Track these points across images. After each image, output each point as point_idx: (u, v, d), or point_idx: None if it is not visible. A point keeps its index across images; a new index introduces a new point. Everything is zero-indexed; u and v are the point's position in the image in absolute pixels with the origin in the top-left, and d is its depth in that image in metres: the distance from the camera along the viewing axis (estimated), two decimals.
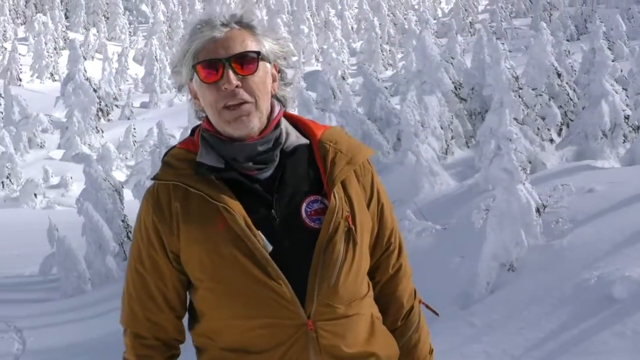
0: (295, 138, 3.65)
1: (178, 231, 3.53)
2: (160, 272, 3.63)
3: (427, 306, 4.12)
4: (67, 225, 38.18)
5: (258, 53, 3.51)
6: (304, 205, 3.56)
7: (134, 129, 66.43)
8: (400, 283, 3.95)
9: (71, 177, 54.68)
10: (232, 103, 3.44)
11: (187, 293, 3.79)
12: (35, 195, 52.77)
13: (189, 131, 3.90)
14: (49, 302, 34.93)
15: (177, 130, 67.92)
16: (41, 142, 65.38)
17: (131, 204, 41.58)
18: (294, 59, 3.86)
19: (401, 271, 3.94)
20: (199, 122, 3.88)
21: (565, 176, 32.58)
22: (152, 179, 3.66)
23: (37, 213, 48.06)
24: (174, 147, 3.77)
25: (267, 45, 3.59)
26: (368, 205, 3.77)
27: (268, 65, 3.59)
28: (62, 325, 31.75)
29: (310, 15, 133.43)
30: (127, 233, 40.38)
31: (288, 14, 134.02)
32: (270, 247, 3.45)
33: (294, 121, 3.77)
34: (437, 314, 4.22)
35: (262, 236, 3.46)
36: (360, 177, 3.73)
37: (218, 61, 3.43)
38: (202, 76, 3.45)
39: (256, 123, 3.51)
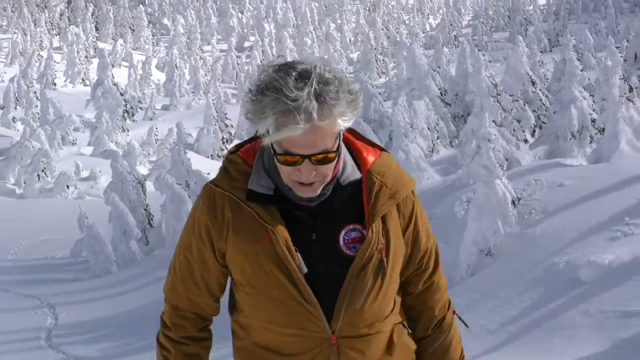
0: (350, 171, 3.59)
1: (227, 236, 3.55)
2: (205, 264, 3.66)
3: (459, 317, 4.08)
4: (96, 213, 38.14)
5: (335, 151, 3.42)
6: (342, 233, 3.53)
7: (156, 128, 66.25)
8: (432, 297, 3.90)
9: (99, 171, 54.56)
10: (305, 182, 3.41)
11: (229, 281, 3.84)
12: (67, 186, 52.61)
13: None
14: (79, 281, 34.91)
15: (194, 129, 67.92)
16: (73, 140, 65.19)
17: (152, 195, 41.59)
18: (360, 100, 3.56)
19: (433, 286, 3.90)
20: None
21: (538, 172, 32.53)
22: (211, 183, 3.63)
23: (69, 203, 47.91)
24: (238, 149, 3.73)
25: (342, 125, 3.43)
26: (404, 233, 3.73)
27: (340, 143, 3.50)
28: (91, 302, 31.74)
29: (313, 29, 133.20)
30: (149, 221, 40.39)
31: (293, 27, 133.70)
32: (305, 270, 3.46)
33: (350, 145, 3.69)
34: (467, 326, 4.12)
35: (300, 258, 3.46)
36: (402, 208, 3.70)
37: (299, 156, 3.37)
38: (279, 159, 3.40)
39: (322, 189, 3.48)
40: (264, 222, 3.46)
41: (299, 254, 3.47)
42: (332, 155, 3.43)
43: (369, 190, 3.58)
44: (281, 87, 3.34)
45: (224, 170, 3.66)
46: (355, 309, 3.49)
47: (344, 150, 3.65)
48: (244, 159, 3.65)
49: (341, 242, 3.51)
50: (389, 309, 3.67)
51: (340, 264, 3.50)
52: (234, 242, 3.54)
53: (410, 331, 3.92)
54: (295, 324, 3.47)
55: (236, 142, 66.84)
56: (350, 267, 3.48)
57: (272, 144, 3.46)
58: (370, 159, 3.66)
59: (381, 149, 3.78)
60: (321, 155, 3.39)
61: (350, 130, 3.72)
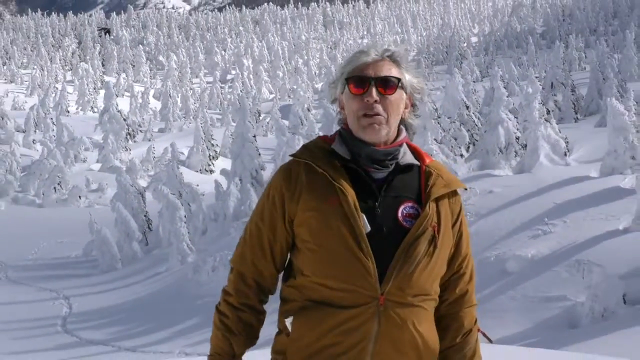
0: (410, 158, 3.58)
1: (299, 198, 3.49)
2: (274, 229, 3.57)
3: (484, 334, 3.91)
4: (103, 219, 38.04)
5: (399, 80, 3.46)
6: (401, 207, 3.47)
7: (153, 148, 65.98)
8: (464, 307, 3.74)
9: (106, 184, 54.37)
10: (369, 112, 3.40)
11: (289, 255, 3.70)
12: (79, 197, 52.41)
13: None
14: (89, 276, 34.78)
15: (186, 148, 67.72)
16: (84, 158, 64.93)
17: (151, 203, 41.48)
18: (425, 95, 3.71)
19: (467, 296, 3.75)
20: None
21: (472, 181, 32.64)
22: (290, 155, 3.60)
23: (80, 211, 47.78)
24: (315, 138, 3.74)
25: (407, 77, 3.52)
26: (452, 227, 3.64)
27: (404, 93, 3.53)
28: (100, 293, 31.63)
29: (284, 64, 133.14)
30: (149, 225, 40.28)
31: (268, 62, 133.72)
32: (369, 228, 3.39)
33: (413, 148, 3.69)
34: (491, 341, 4.02)
35: (365, 219, 3.39)
36: (452, 204, 3.63)
37: (366, 79, 3.41)
38: (351, 88, 3.44)
39: (384, 134, 3.45)
40: (335, 182, 3.42)
41: (363, 215, 3.41)
42: (394, 80, 3.45)
43: (427, 177, 3.58)
44: (358, 50, 3.56)
45: (303, 147, 3.65)
46: (406, 273, 3.41)
47: (407, 147, 3.65)
48: (323, 140, 3.66)
49: (400, 214, 3.46)
50: (433, 289, 3.57)
51: (396, 233, 3.44)
52: (306, 201, 3.47)
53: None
54: (349, 279, 3.38)
55: (221, 159, 67.01)
56: (407, 235, 3.43)
57: (344, 88, 3.51)
58: (428, 159, 3.67)
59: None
60: (385, 77, 3.44)
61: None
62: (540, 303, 22.86)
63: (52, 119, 75.75)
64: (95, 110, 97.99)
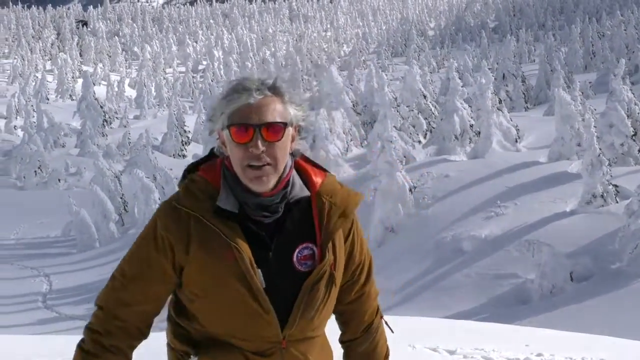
0: (298, 190, 3.21)
1: (188, 250, 3.08)
2: (164, 279, 3.14)
3: (386, 323, 3.65)
4: (81, 201, 37.80)
5: (285, 124, 3.06)
6: (296, 252, 3.14)
7: (129, 133, 65.54)
8: (362, 305, 3.47)
9: (84, 168, 53.97)
10: (255, 164, 3.01)
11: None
12: (58, 180, 52.04)
13: (209, 150, 3.48)
14: (68, 255, 34.59)
15: (160, 134, 67.44)
16: (63, 143, 64.47)
17: (127, 186, 41.23)
18: (310, 118, 3.29)
19: (364, 296, 3.46)
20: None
21: (429, 166, 32.69)
22: (176, 203, 3.13)
23: (60, 193, 47.45)
24: (195, 169, 3.29)
25: (292, 112, 3.11)
26: (344, 247, 3.31)
27: (291, 129, 3.12)
28: (78, 271, 31.45)
29: (252, 55, 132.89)
30: (124, 206, 40.08)
31: (237, 53, 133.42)
32: (264, 284, 3.09)
33: (300, 168, 3.29)
34: (392, 332, 3.69)
35: (261, 274, 3.07)
36: (344, 225, 3.28)
37: (250, 126, 3.01)
38: (234, 137, 3.04)
39: (272, 183, 3.06)
40: (230, 240, 3.06)
41: (259, 270, 3.09)
42: (281, 126, 3.06)
43: (319, 210, 3.21)
44: (236, 84, 3.10)
45: (186, 190, 3.19)
46: (307, 318, 3.17)
47: (293, 172, 3.24)
48: (205, 179, 3.21)
49: (295, 260, 3.14)
50: (329, 316, 3.34)
51: (294, 279, 3.15)
52: (198, 258, 3.09)
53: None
54: (251, 332, 3.13)
55: (193, 144, 66.77)
56: (305, 282, 3.14)
57: (227, 127, 3.07)
58: (318, 180, 3.26)
59: (325, 171, 3.37)
60: (270, 124, 3.04)
61: (301, 156, 3.32)
62: (493, 280, 22.97)
63: (32, 106, 75.13)
64: (74, 98, 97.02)
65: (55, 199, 44.05)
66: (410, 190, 29.39)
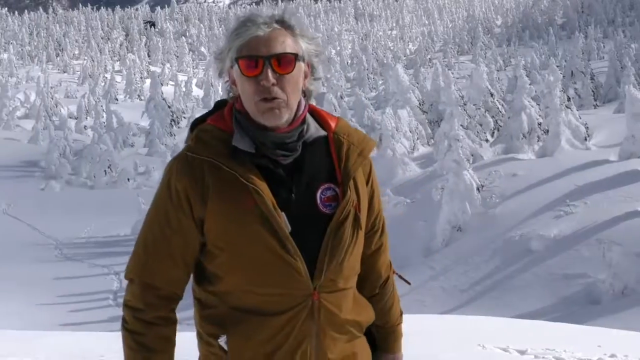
0: (314, 130, 3.09)
1: (206, 200, 2.94)
2: (185, 234, 3.00)
3: (400, 276, 3.55)
4: (150, 200, 38.10)
5: (295, 55, 2.94)
6: (318, 192, 3.00)
7: None
8: (380, 258, 3.33)
9: (153, 167, 54.48)
10: (267, 97, 2.87)
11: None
12: (127, 179, 52.61)
13: (214, 105, 3.34)
14: None
15: None
16: (132, 143, 65.18)
17: None
18: (324, 56, 3.13)
19: (381, 248, 3.33)
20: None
21: (497, 165, 32.45)
22: (187, 151, 3.02)
23: (129, 192, 47.93)
24: (203, 120, 3.15)
25: (303, 46, 3.00)
26: (366, 191, 3.19)
27: (302, 64, 3.00)
28: None
29: None
30: None
31: (319, 64, 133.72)
32: (289, 228, 2.92)
33: (312, 112, 3.16)
34: (409, 283, 3.67)
35: (285, 217, 2.91)
36: (364, 167, 3.16)
37: (259, 58, 2.88)
38: (243, 70, 2.90)
39: (285, 117, 2.92)
40: (248, 183, 2.92)
41: (283, 213, 2.93)
42: (292, 57, 2.93)
43: (337, 149, 3.10)
44: (244, 18, 2.99)
45: (197, 139, 3.06)
46: (337, 263, 3.00)
47: (308, 115, 3.12)
48: (216, 126, 3.08)
49: (318, 201, 3.00)
50: (359, 265, 3.19)
51: (318, 222, 2.99)
52: (216, 207, 2.95)
53: None
54: (280, 284, 2.94)
55: None
56: (330, 223, 2.98)
57: (234, 65, 2.96)
58: (333, 122, 3.15)
59: (337, 117, 3.25)
60: (280, 55, 2.91)
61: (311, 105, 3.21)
62: (562, 280, 22.72)
63: (102, 106, 76.14)
64: (142, 98, 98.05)
65: (125, 198, 44.53)
66: (478, 189, 29.21)
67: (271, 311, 2.97)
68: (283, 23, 2.93)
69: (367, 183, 3.19)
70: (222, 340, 3.01)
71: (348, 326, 3.13)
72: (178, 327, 3.09)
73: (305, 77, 3.01)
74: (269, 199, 2.89)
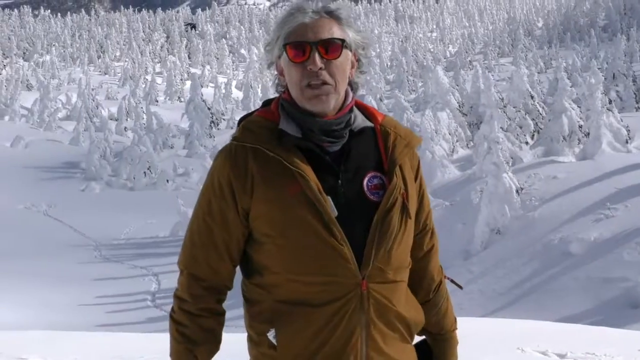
0: (361, 121, 3.08)
1: (252, 190, 2.96)
2: (227, 225, 3.02)
3: (452, 281, 3.53)
4: (189, 201, 38.33)
5: (343, 41, 2.95)
6: (366, 180, 2.97)
7: None
8: (432, 260, 3.32)
9: (192, 169, 54.69)
10: (314, 82, 2.90)
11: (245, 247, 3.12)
12: (167, 181, 52.85)
13: (261, 103, 3.37)
14: (176, 255, 35.00)
15: None
16: (171, 144, 65.50)
17: None
18: (371, 50, 3.15)
19: (433, 250, 3.32)
20: (271, 97, 3.37)
21: (537, 168, 32.26)
22: (233, 139, 3.06)
23: (168, 194, 48.19)
24: (252, 114, 3.18)
25: (350, 35, 3.00)
26: (414, 186, 3.16)
27: (349, 53, 3.01)
28: None
29: None
30: None
31: (364, 57, 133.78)
32: (336, 212, 2.89)
33: (359, 106, 3.15)
34: (460, 287, 3.60)
35: (331, 202, 2.90)
36: (411, 160, 3.16)
37: (306, 44, 2.91)
38: (290, 56, 2.93)
39: (332, 103, 2.94)
40: (293, 167, 2.92)
41: (329, 197, 2.92)
42: (339, 42, 2.95)
43: (384, 139, 3.09)
44: (291, 8, 3.02)
45: (244, 128, 3.10)
46: (385, 250, 2.95)
47: (354, 109, 3.11)
48: (264, 117, 3.11)
49: (365, 189, 2.98)
50: (408, 258, 3.14)
51: (365, 209, 2.97)
52: (262, 193, 2.96)
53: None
54: (326, 271, 2.91)
55: None
56: (378, 210, 2.95)
57: (282, 53, 2.99)
58: (379, 116, 3.15)
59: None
60: (327, 40, 2.93)
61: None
62: (602, 284, 22.54)
63: (142, 108, 76.67)
64: (182, 100, 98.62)
65: (164, 200, 44.77)
66: (517, 191, 29.04)
67: (319, 302, 2.93)
68: (331, 14, 2.96)
69: (415, 178, 3.16)
70: (270, 335, 2.98)
71: (397, 323, 3.06)
72: (225, 328, 3.09)
73: (352, 66, 3.02)
74: (314, 183, 2.89)
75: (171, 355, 3.13)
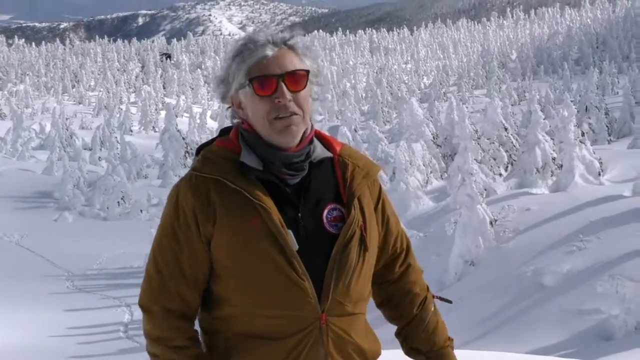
0: (320, 151, 3.08)
1: (214, 221, 2.93)
2: (194, 254, 2.98)
3: (440, 298, 3.51)
4: None
5: (307, 71, 2.99)
6: (325, 212, 2.99)
7: None
8: (410, 278, 3.31)
9: (166, 199, 54.70)
10: (283, 115, 2.91)
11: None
12: (141, 211, 52.66)
13: (218, 132, 3.35)
14: None
15: None
16: (145, 174, 65.41)
17: None
18: (323, 77, 3.17)
19: (410, 269, 3.31)
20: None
21: (510, 199, 32.39)
22: (192, 169, 3.02)
23: (142, 224, 48.00)
24: (211, 143, 3.15)
25: (308, 64, 3.03)
26: (375, 214, 3.17)
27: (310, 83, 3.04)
28: None
29: (333, 87, 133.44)
30: None
31: (317, 85, 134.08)
32: (297, 246, 2.89)
33: (318, 135, 3.17)
34: (450, 302, 3.57)
35: (292, 235, 2.90)
36: (371, 189, 3.15)
37: (273, 77, 2.91)
38: (257, 90, 2.92)
39: (300, 134, 2.97)
40: (255, 199, 2.91)
41: (290, 231, 2.92)
42: (304, 73, 2.97)
43: (342, 170, 3.09)
44: (246, 40, 3.01)
45: (204, 158, 3.05)
46: (343, 285, 2.95)
47: (315, 138, 3.12)
48: (224, 147, 3.08)
49: (325, 221, 2.98)
50: (368, 290, 3.13)
51: (325, 242, 2.96)
52: (224, 225, 2.93)
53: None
54: (287, 305, 2.90)
55: None
56: (336, 243, 2.95)
57: (245, 87, 2.96)
58: (338, 145, 3.16)
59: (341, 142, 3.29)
60: (294, 72, 2.94)
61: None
62: (575, 316, 22.60)
63: (116, 137, 76.47)
64: (157, 129, 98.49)
65: (138, 230, 44.57)
66: (491, 223, 29.15)
67: (278, 335, 2.91)
68: (289, 44, 2.98)
69: (376, 206, 3.17)
70: None
71: (355, 355, 3.05)
72: None
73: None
74: (276, 215, 2.89)
75: None
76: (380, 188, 3.22)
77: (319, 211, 3.00)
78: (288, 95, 2.91)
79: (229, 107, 3.10)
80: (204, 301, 3.07)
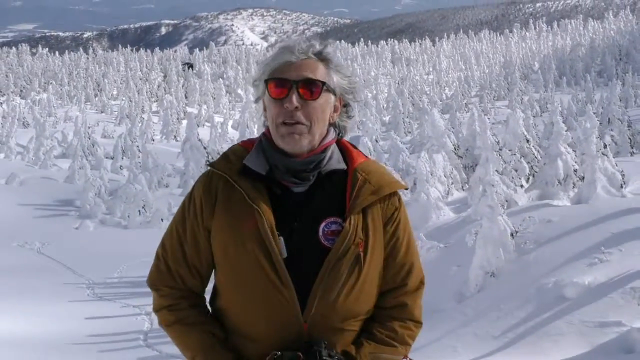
0: (335, 163, 3.09)
1: (214, 213, 3.05)
2: (197, 243, 3.12)
3: None
4: None
5: (323, 83, 2.99)
6: (323, 224, 2.99)
7: None
8: (398, 320, 3.17)
9: None
10: (288, 121, 2.94)
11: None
12: (161, 220, 52.86)
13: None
14: None
15: None
16: (166, 183, 65.63)
17: None
18: (360, 94, 3.22)
19: (406, 308, 3.17)
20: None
21: (531, 211, 32.25)
22: (208, 164, 3.14)
23: (162, 233, 48.01)
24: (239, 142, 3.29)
25: (335, 79, 3.05)
26: (383, 236, 3.12)
27: (332, 97, 3.06)
28: None
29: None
30: None
31: (353, 101, 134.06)
32: (285, 254, 2.93)
33: (344, 147, 3.19)
34: None
35: (282, 243, 2.94)
36: (384, 209, 3.09)
37: (286, 81, 2.96)
38: (271, 92, 2.99)
39: (305, 144, 2.97)
40: (252, 203, 2.96)
41: (281, 238, 2.96)
42: (319, 84, 2.98)
43: (352, 184, 3.07)
44: (280, 46, 3.10)
45: (223, 155, 3.20)
46: (328, 300, 2.94)
47: (336, 148, 3.15)
48: (244, 147, 3.21)
49: (320, 233, 2.99)
50: (365, 310, 3.09)
51: (317, 255, 2.98)
52: (222, 220, 3.03)
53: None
54: (267, 309, 2.93)
55: None
56: (327, 257, 2.96)
57: (265, 83, 3.05)
58: (359, 159, 3.16)
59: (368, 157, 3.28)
60: (308, 80, 2.97)
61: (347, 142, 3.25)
62: (596, 328, 22.45)
63: (138, 146, 76.77)
64: (178, 139, 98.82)
65: (158, 238, 44.39)
66: (512, 234, 29.03)
67: (258, 337, 2.98)
68: (320, 55, 3.02)
69: (385, 226, 3.13)
70: None
71: None
72: None
73: (335, 110, 3.04)
74: (268, 222, 2.96)
75: (189, 351, 3.14)
76: (397, 210, 3.17)
77: (317, 223, 3.03)
78: (296, 102, 2.96)
79: (263, 112, 3.21)
80: (214, 290, 3.21)
